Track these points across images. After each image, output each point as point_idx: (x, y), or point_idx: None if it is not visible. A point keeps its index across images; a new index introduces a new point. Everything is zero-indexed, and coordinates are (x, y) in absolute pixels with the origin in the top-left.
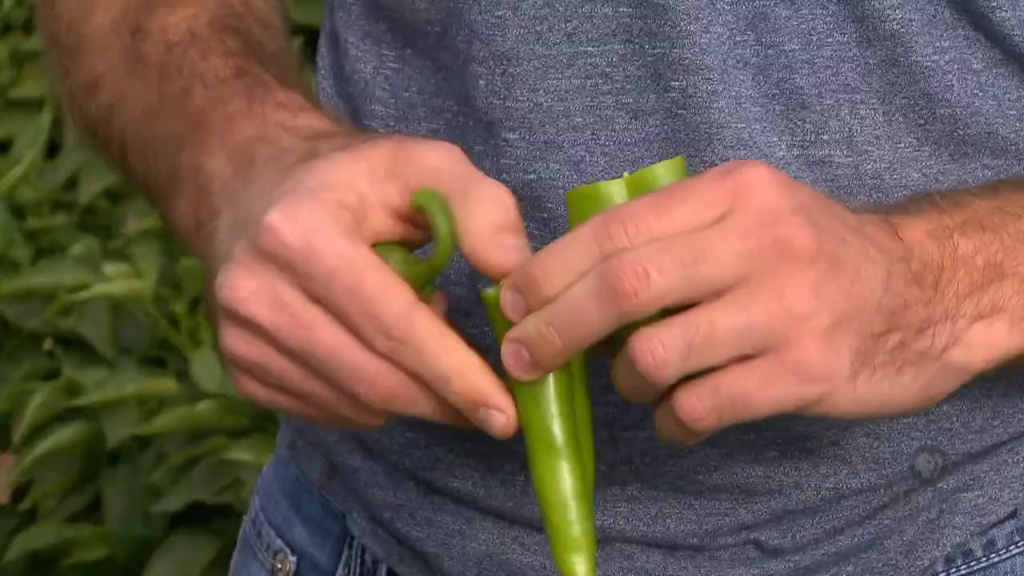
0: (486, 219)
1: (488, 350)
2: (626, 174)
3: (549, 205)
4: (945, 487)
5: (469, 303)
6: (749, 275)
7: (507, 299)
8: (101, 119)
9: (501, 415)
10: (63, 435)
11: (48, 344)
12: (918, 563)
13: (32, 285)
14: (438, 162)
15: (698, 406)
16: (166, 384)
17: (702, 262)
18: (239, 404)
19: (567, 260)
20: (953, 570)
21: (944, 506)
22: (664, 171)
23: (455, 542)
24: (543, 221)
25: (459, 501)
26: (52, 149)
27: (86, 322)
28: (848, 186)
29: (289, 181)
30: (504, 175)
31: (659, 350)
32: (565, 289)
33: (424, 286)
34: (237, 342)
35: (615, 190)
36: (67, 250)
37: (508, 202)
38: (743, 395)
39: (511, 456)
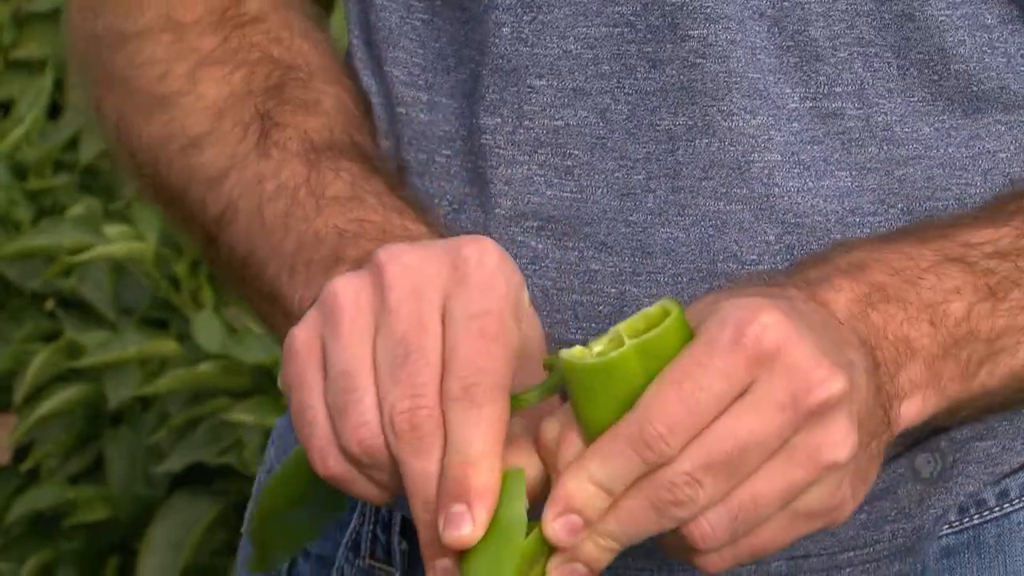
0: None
1: None
2: (621, 332)
3: (573, 152)
4: (958, 436)
5: None
6: (788, 442)
7: (563, 528)
8: (206, 179)
9: (469, 526)
10: (64, 396)
11: (49, 305)
12: (931, 512)
13: (33, 246)
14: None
15: (720, 564)
16: (167, 345)
17: (746, 452)
18: (240, 365)
19: (611, 478)
20: (966, 519)
21: (957, 455)
22: (669, 333)
23: None
24: (566, 169)
25: None
26: (54, 110)
27: (87, 283)
28: (860, 139)
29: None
30: (527, 121)
31: (707, 529)
32: (616, 499)
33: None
34: (351, 287)
35: (624, 366)
36: (68, 211)
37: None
38: (766, 546)
39: None
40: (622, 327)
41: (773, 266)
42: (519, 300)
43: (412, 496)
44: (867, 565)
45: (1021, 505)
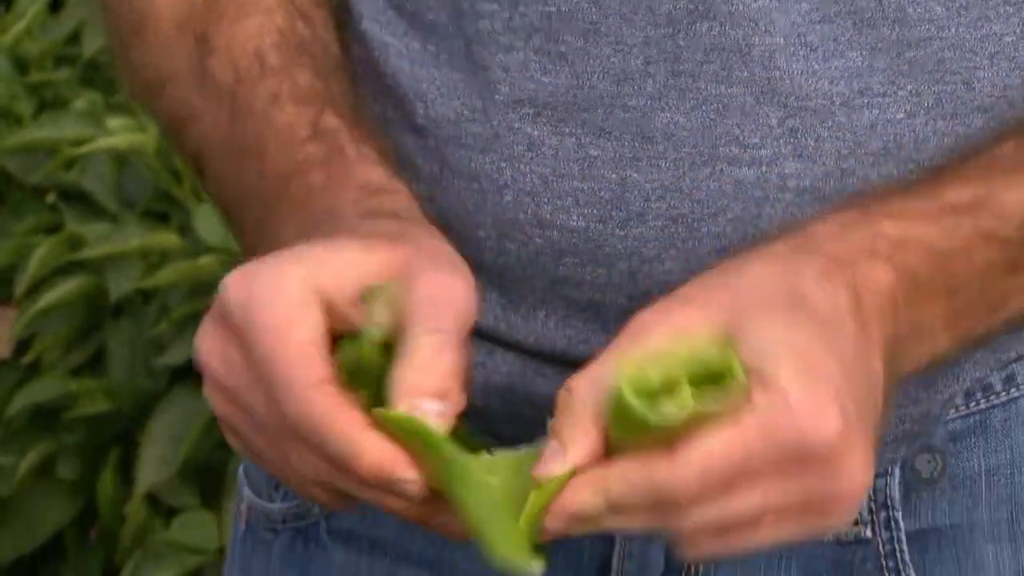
0: (414, 376)
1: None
2: (687, 392)
3: (567, 38)
4: None
5: (487, 138)
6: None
7: (559, 523)
8: (172, 124)
9: (412, 484)
10: (65, 288)
11: (51, 198)
12: (938, 397)
13: (35, 139)
14: (428, 294)
15: (703, 555)
16: (169, 238)
17: (756, 521)
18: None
19: (624, 502)
20: (973, 404)
21: None
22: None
23: (477, 373)
24: (560, 55)
25: (480, 335)
26: (55, 3)
27: (89, 176)
28: (871, 19)
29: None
30: (521, 7)
31: (705, 550)
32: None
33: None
34: (209, 391)
35: (677, 422)
36: (70, 104)
37: (446, 365)
38: (754, 546)
39: (532, 291)
40: (681, 357)
41: (775, 151)
42: (290, 295)
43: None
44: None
45: None
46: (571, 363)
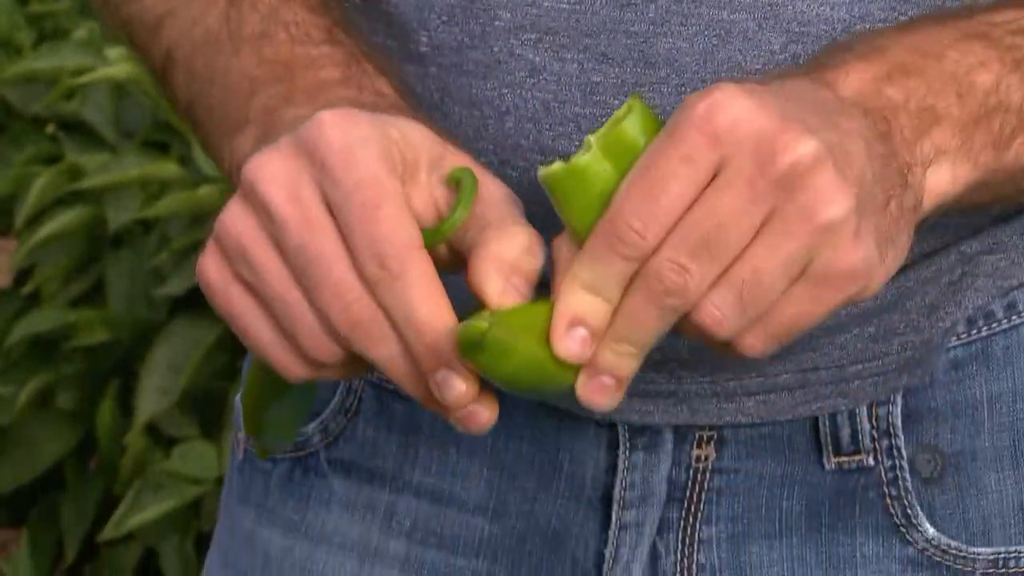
0: (512, 251)
1: (507, 113)
2: (590, 138)
3: None
4: (968, 251)
5: (488, 65)
6: (772, 210)
7: (572, 342)
8: (144, 26)
9: (461, 384)
10: (65, 219)
11: (50, 128)
12: (939, 324)
13: (35, 68)
14: (504, 195)
15: (759, 345)
16: (168, 168)
17: (725, 229)
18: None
19: (600, 280)
20: (975, 331)
21: (966, 268)
22: (633, 127)
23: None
24: None
25: None
26: None
27: (88, 106)
28: None
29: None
30: None
31: (716, 313)
32: (614, 304)
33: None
34: (238, 219)
35: (595, 166)
36: (70, 34)
37: (538, 255)
38: (798, 320)
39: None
40: (593, 135)
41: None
42: (385, 150)
43: (393, 377)
44: (876, 378)
45: None
46: None
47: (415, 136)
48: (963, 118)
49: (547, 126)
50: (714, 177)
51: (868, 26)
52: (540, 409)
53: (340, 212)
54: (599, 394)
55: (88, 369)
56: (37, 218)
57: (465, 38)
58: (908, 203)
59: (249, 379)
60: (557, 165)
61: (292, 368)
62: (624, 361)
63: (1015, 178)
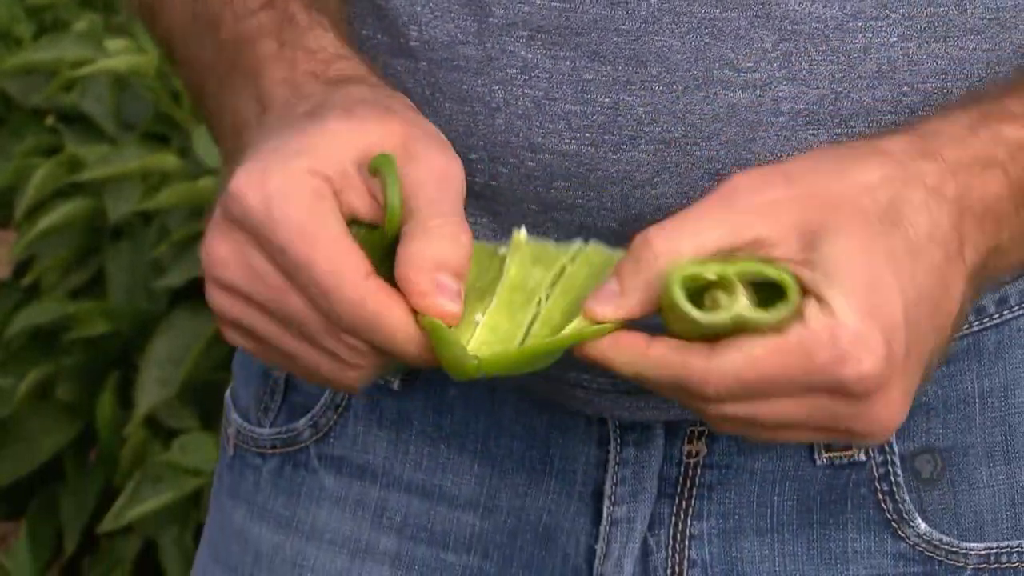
0: (435, 249)
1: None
2: (739, 295)
3: None
4: None
5: (479, 61)
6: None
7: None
8: (145, 7)
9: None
10: (65, 210)
11: (50, 120)
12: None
13: (34, 61)
14: (432, 176)
15: (728, 432)
16: (168, 159)
17: (780, 426)
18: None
19: (652, 377)
20: (966, 326)
21: None
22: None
23: None
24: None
25: None
26: None
27: (88, 98)
28: None
29: (276, 140)
30: None
31: (723, 426)
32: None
33: (383, 254)
34: (221, 299)
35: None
36: (70, 26)
37: (466, 247)
38: (782, 440)
39: (524, 215)
40: (738, 267)
41: (769, 74)
42: (303, 187)
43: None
44: None
45: (1021, 312)
46: None
47: (332, 144)
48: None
49: (538, 123)
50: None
51: (860, 23)
52: (531, 405)
53: (288, 275)
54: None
55: (88, 361)
56: (37, 210)
57: (457, 33)
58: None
59: None
60: (689, 305)
61: (345, 382)
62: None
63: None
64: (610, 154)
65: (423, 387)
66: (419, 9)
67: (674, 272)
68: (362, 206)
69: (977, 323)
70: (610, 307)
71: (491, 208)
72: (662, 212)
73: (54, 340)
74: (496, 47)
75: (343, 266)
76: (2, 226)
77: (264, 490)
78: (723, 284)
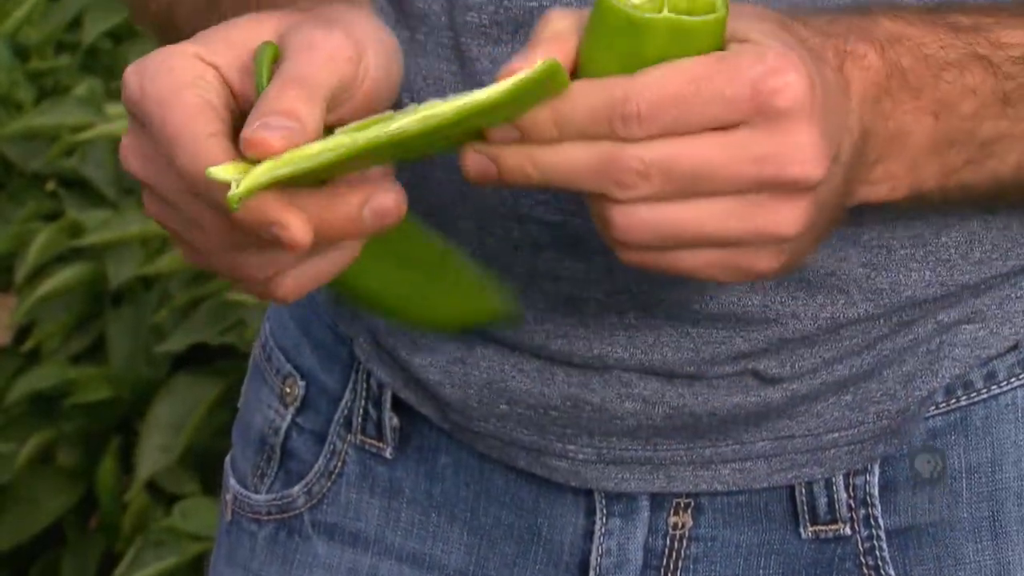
0: (261, 108)
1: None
2: (666, 7)
3: None
4: (946, 319)
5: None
6: (747, 193)
7: (501, 131)
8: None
9: (287, 231)
10: (66, 275)
11: (51, 185)
12: (917, 393)
13: (35, 126)
14: (299, 47)
15: (634, 260)
16: None
17: (705, 181)
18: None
19: (576, 119)
20: (953, 401)
21: (944, 338)
22: (705, 29)
23: (456, 370)
24: None
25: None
26: None
27: (89, 163)
28: None
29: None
30: (506, 2)
31: (635, 227)
32: (561, 140)
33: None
34: (146, 200)
35: (649, 31)
36: (70, 91)
37: (349, 61)
38: (681, 271)
39: (511, 284)
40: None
41: None
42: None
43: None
44: (852, 446)
45: (1009, 387)
46: (549, 358)
47: (232, 36)
48: (925, 147)
49: (524, 193)
50: (730, 128)
51: None
52: (519, 475)
53: (161, 149)
54: (476, 169)
55: (89, 426)
56: (37, 275)
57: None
58: (835, 225)
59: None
60: (624, 2)
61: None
62: (519, 174)
63: (947, 198)
64: (595, 225)
65: (415, 455)
66: (412, 77)
67: None
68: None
69: (965, 398)
70: (526, 61)
71: None
72: (648, 282)
73: (55, 405)
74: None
75: (191, 125)
76: (3, 291)
77: (259, 556)
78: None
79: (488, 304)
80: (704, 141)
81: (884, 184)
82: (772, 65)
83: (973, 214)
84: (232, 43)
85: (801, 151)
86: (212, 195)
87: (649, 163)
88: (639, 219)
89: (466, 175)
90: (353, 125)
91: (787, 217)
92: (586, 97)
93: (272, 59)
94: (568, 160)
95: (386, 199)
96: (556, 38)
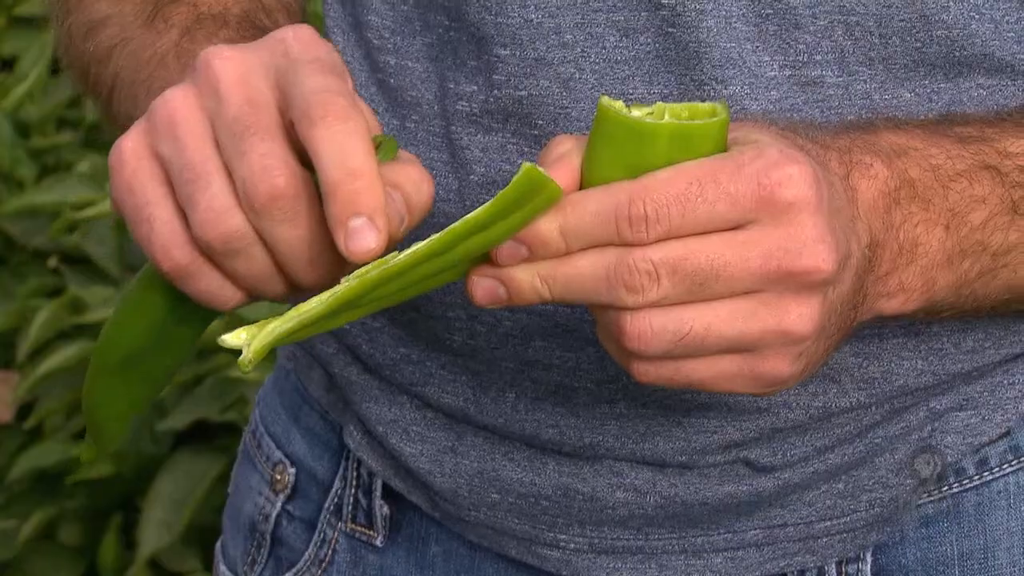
0: (401, 176)
1: None
2: (667, 114)
3: (539, 122)
4: (938, 407)
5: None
6: (758, 292)
7: (507, 249)
8: (96, 59)
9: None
10: (68, 353)
11: (53, 262)
12: (908, 481)
13: (37, 203)
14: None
15: (651, 377)
16: None
17: (715, 281)
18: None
19: (583, 227)
20: (945, 488)
21: (936, 425)
22: (708, 133)
23: (446, 459)
24: (533, 138)
25: (451, 417)
26: (57, 66)
27: (91, 240)
28: (839, 106)
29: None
30: (495, 91)
31: (647, 335)
32: (571, 252)
33: None
34: (179, 93)
35: (654, 138)
36: (72, 168)
37: (425, 192)
38: (704, 384)
39: (502, 373)
40: (668, 106)
41: None
42: (344, 65)
43: (291, 262)
44: (844, 534)
45: (1000, 473)
46: (540, 447)
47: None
48: (938, 258)
49: None
50: (737, 227)
51: None
52: (511, 565)
53: (290, 79)
54: (484, 294)
55: (91, 503)
56: (39, 352)
57: (439, 191)
58: (843, 336)
59: (109, 326)
60: (622, 108)
61: (172, 251)
62: (531, 293)
63: (961, 308)
64: (586, 315)
65: (405, 543)
66: None
67: (605, 99)
68: None
69: (957, 484)
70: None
71: (469, 367)
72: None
73: (57, 482)
74: (476, 204)
75: (359, 115)
76: (5, 368)
77: None
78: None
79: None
80: (712, 240)
81: (898, 297)
82: (775, 159)
83: None
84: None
85: (810, 244)
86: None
87: (658, 263)
88: (650, 325)
89: (474, 301)
90: (356, 272)
91: (799, 315)
92: (592, 203)
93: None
94: (578, 270)
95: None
96: (559, 159)
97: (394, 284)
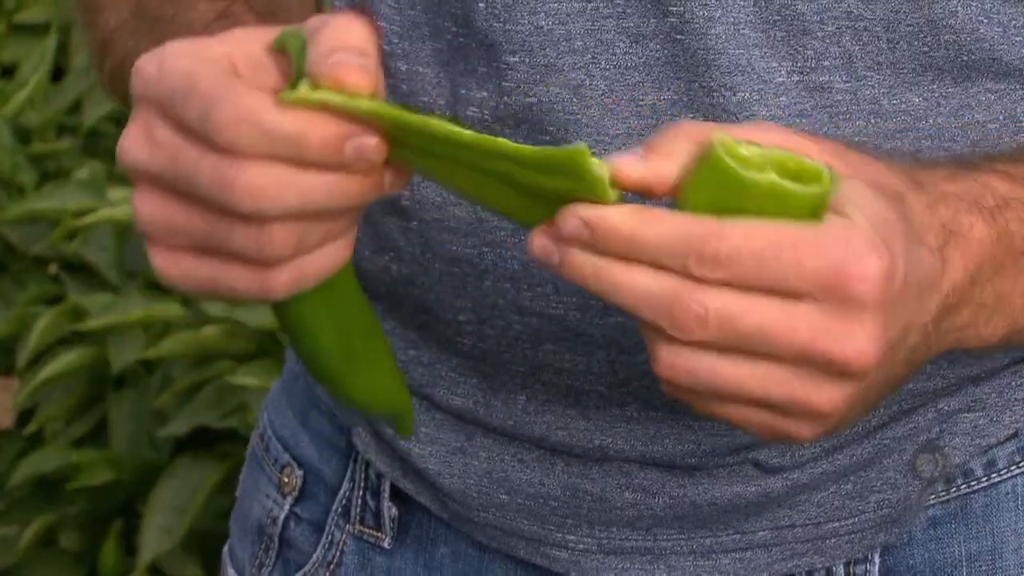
0: (326, 43)
1: (486, 272)
2: (771, 166)
3: (550, 128)
4: (946, 408)
5: (469, 223)
6: (793, 363)
7: (573, 225)
8: (115, 78)
9: (369, 139)
10: (68, 359)
11: (53, 269)
12: (916, 482)
13: (37, 209)
14: (336, 26)
15: (675, 394)
16: (171, 308)
17: (756, 341)
18: (244, 328)
19: (652, 244)
20: (953, 489)
21: (944, 426)
22: (803, 201)
23: (456, 459)
24: (544, 144)
25: (460, 418)
26: (57, 73)
27: (91, 246)
28: (847, 112)
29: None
30: (505, 98)
31: (679, 371)
32: (631, 261)
33: None
34: (142, 204)
35: (752, 192)
36: (72, 174)
37: (357, 30)
38: (719, 417)
39: (512, 376)
40: (777, 156)
41: None
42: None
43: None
44: (853, 535)
45: (1008, 475)
46: (550, 449)
47: (240, 36)
48: (999, 334)
49: (526, 287)
50: (798, 297)
51: None
52: (519, 566)
53: (184, 121)
54: (540, 251)
55: (91, 509)
56: (39, 358)
57: (449, 195)
58: (893, 387)
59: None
60: (732, 147)
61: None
62: (578, 275)
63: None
64: (597, 319)
65: (413, 545)
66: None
67: (716, 138)
68: (276, 85)
69: (965, 486)
70: (632, 163)
71: (479, 369)
72: (649, 377)
73: (58, 489)
74: (487, 209)
75: (223, 80)
76: (5, 374)
77: None
78: (756, 166)
79: (394, 395)
80: (769, 303)
81: (973, 341)
82: (860, 251)
83: None
84: (244, 44)
85: (858, 340)
86: (278, 132)
87: (711, 311)
88: (683, 363)
89: (530, 249)
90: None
91: (828, 396)
92: (671, 225)
93: (303, 43)
94: (634, 284)
95: (369, 140)
96: (668, 153)
97: (440, 148)
